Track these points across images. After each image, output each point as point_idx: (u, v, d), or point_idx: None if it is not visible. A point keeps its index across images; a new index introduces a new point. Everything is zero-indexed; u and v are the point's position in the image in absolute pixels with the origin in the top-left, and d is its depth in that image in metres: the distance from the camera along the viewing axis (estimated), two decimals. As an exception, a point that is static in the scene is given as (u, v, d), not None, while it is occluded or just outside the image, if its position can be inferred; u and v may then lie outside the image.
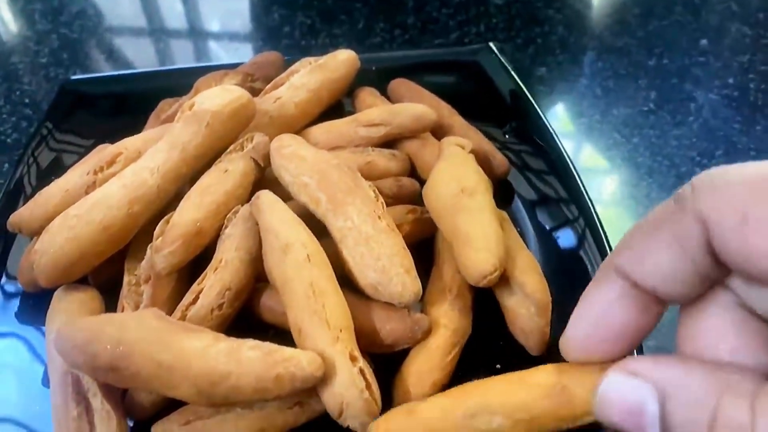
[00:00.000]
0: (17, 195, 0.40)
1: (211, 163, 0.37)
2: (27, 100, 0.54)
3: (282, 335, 0.32)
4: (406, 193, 0.38)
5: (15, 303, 0.35)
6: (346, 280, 0.32)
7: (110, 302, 0.34)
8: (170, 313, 0.31)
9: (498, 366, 0.32)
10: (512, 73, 0.46)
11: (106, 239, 0.32)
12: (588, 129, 0.49)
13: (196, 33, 0.66)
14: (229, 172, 0.35)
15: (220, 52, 0.61)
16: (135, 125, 0.43)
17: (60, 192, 0.35)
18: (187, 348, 0.27)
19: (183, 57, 0.62)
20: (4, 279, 0.36)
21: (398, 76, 0.47)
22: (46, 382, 0.32)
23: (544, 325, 0.31)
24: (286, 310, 0.30)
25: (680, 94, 0.52)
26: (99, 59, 0.61)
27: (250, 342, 0.27)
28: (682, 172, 0.45)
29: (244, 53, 0.61)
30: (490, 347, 0.33)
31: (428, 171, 0.39)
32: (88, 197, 0.33)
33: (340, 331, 0.28)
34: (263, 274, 0.33)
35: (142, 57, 0.61)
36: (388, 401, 0.29)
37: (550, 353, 0.32)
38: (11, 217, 0.35)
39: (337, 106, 0.45)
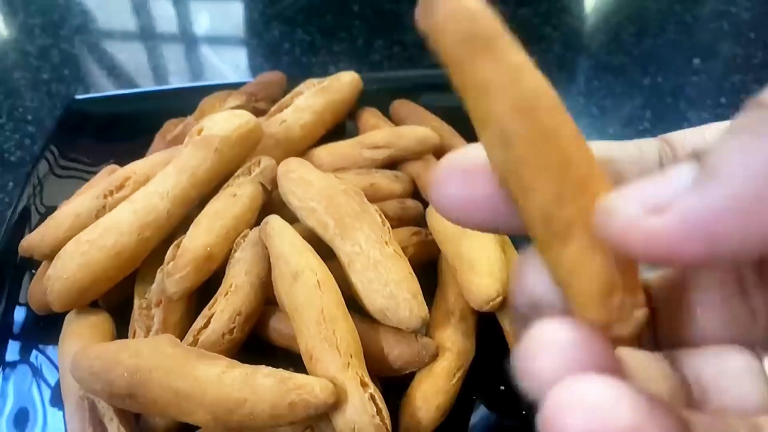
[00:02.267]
0: (25, 216, 0.40)
1: (218, 187, 0.37)
2: (30, 117, 0.54)
3: (291, 358, 0.33)
4: (411, 215, 0.39)
5: (25, 324, 0.36)
6: (353, 302, 0.32)
7: (121, 325, 0.34)
8: (181, 336, 0.32)
9: (502, 388, 0.33)
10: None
11: (118, 264, 0.33)
12: (585, 148, 0.50)
13: (195, 50, 0.66)
14: (237, 197, 0.36)
15: (221, 69, 0.62)
16: (139, 144, 0.44)
17: (70, 216, 0.35)
18: (202, 375, 0.27)
19: (183, 74, 0.63)
20: (9, 299, 0.37)
21: (400, 95, 0.48)
22: (55, 402, 0.33)
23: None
24: (296, 335, 0.30)
25: (675, 113, 0.53)
26: (100, 75, 0.61)
27: (264, 369, 0.28)
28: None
29: (244, 70, 0.62)
30: (493, 370, 0.34)
31: (431, 193, 0.40)
32: (99, 222, 0.34)
33: (351, 356, 0.29)
34: (272, 297, 0.34)
35: (143, 72, 0.61)
36: (395, 423, 0.29)
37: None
38: (23, 242, 0.35)
39: (339, 127, 0.46)
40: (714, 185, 0.11)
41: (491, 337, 0.34)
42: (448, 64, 0.13)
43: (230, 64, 0.62)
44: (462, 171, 0.14)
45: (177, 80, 0.61)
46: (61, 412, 0.32)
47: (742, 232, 0.10)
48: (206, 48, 0.66)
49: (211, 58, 0.63)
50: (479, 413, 0.33)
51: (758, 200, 0.10)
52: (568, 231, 0.12)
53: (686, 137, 0.16)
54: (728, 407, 0.15)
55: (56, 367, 0.34)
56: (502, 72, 0.12)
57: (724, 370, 0.15)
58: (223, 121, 0.37)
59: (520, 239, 0.40)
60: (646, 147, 0.16)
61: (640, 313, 0.13)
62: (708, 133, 0.16)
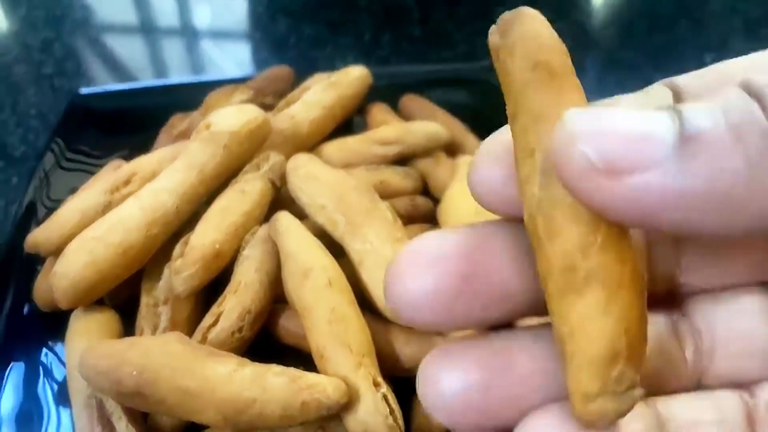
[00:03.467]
0: (31, 211, 0.40)
1: (226, 183, 0.37)
2: (33, 112, 0.54)
3: (300, 357, 0.32)
4: (421, 212, 0.39)
5: (31, 321, 0.35)
6: (363, 300, 0.32)
7: (127, 322, 0.34)
8: (189, 334, 0.32)
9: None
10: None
11: (125, 262, 0.32)
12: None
13: (197, 44, 0.66)
14: (246, 193, 0.35)
15: (224, 63, 0.61)
16: (144, 139, 0.43)
17: (76, 212, 0.35)
18: (211, 374, 0.27)
19: (185, 68, 0.62)
20: (15, 296, 0.36)
21: (409, 91, 0.47)
22: (62, 400, 0.32)
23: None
24: (307, 334, 0.30)
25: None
26: (102, 70, 0.60)
27: (275, 368, 0.27)
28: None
29: (248, 64, 0.61)
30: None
31: (441, 190, 0.39)
32: (105, 219, 0.33)
33: (363, 356, 0.28)
34: (281, 295, 0.33)
35: (144, 66, 0.61)
36: (407, 424, 0.29)
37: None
38: (28, 238, 0.35)
39: (347, 122, 0.46)
40: (696, 166, 0.10)
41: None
42: (508, 84, 0.13)
43: (233, 58, 0.62)
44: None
45: (179, 74, 0.60)
46: (68, 410, 0.31)
47: (723, 220, 0.10)
48: (208, 42, 0.65)
49: (213, 52, 0.63)
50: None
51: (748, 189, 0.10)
52: (586, 284, 0.12)
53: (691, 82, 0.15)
54: (737, 353, 0.14)
55: (63, 365, 0.33)
56: (561, 107, 0.12)
57: (736, 314, 0.14)
58: (231, 117, 0.36)
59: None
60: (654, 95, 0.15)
61: (637, 393, 0.12)
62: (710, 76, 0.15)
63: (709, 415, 0.14)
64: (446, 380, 0.13)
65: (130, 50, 0.63)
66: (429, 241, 0.13)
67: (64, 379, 0.32)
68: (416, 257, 0.13)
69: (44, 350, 0.34)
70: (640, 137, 0.10)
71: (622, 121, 0.10)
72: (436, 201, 0.39)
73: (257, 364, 0.28)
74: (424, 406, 0.13)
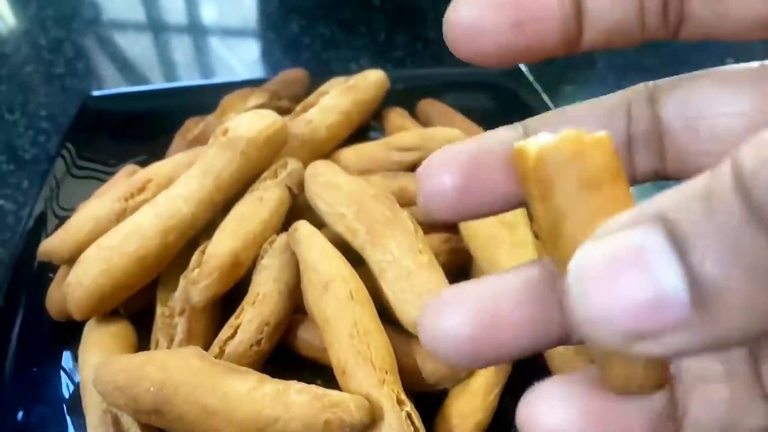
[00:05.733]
0: (42, 218, 0.39)
1: (242, 190, 0.36)
2: (43, 113, 0.53)
3: (318, 369, 0.31)
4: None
5: (44, 331, 0.35)
6: (383, 312, 0.31)
7: (142, 333, 0.33)
8: (206, 346, 0.31)
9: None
10: (543, 95, 0.45)
11: (141, 270, 0.32)
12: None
13: (207, 43, 0.65)
14: (264, 201, 0.34)
15: (236, 64, 0.60)
16: (157, 142, 0.43)
17: (90, 220, 0.34)
18: (231, 391, 0.26)
19: (195, 67, 0.61)
20: (28, 304, 0.36)
21: (425, 94, 0.46)
22: (75, 412, 0.31)
23: (584, 365, 0.31)
24: (327, 348, 0.29)
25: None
26: (111, 69, 0.60)
27: (297, 385, 0.27)
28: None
29: (261, 65, 0.61)
30: (530, 385, 0.32)
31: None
32: (120, 226, 0.33)
33: (386, 373, 0.28)
34: (300, 305, 0.32)
35: (154, 67, 0.60)
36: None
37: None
38: (41, 246, 0.34)
39: (363, 126, 0.45)
40: (712, 324, 0.09)
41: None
42: (538, 179, 0.12)
43: (244, 59, 0.61)
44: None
45: (188, 73, 0.60)
46: (80, 424, 0.31)
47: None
48: (218, 41, 0.64)
49: (223, 52, 0.62)
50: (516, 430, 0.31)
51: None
52: None
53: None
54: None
55: (76, 377, 0.32)
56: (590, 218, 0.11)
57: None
58: (249, 122, 0.35)
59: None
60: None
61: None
62: (699, 95, 0.14)
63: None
64: (443, 326, 0.13)
65: (139, 50, 0.62)
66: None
67: (78, 392, 0.31)
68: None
69: (57, 361, 0.33)
70: (655, 304, 0.09)
71: (628, 289, 0.09)
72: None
73: (278, 380, 0.27)
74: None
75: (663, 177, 0.15)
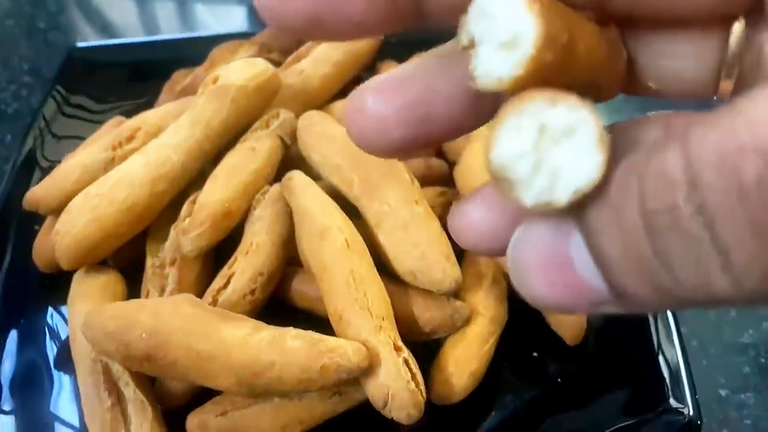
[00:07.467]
0: (29, 169, 0.38)
1: (233, 141, 0.35)
2: (26, 67, 0.51)
3: (312, 320, 0.31)
4: (435, 174, 0.37)
5: (31, 283, 0.34)
6: (379, 265, 0.31)
7: (131, 285, 0.32)
8: (199, 297, 0.30)
9: (535, 354, 0.32)
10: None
11: (130, 219, 0.31)
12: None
13: (194, 11, 0.63)
14: (256, 151, 0.33)
15: (219, 27, 0.59)
16: (144, 95, 0.42)
17: (78, 168, 0.33)
18: (226, 337, 0.26)
19: (177, 30, 0.59)
20: (13, 257, 0.35)
21: (419, 49, 0.45)
22: (64, 364, 0.31)
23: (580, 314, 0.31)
24: (323, 297, 0.29)
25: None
26: (98, 29, 0.58)
27: (293, 331, 0.26)
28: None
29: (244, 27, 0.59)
30: (526, 336, 0.32)
31: (456, 152, 0.38)
32: (109, 175, 0.32)
33: (383, 319, 0.27)
34: (294, 257, 0.32)
35: (136, 26, 0.58)
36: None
37: (586, 342, 0.32)
38: (27, 194, 0.33)
39: (356, 80, 0.44)
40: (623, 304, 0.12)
41: (522, 301, 0.32)
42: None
43: (227, 21, 0.59)
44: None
45: (167, 30, 0.58)
46: (70, 376, 0.30)
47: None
48: (202, 8, 0.62)
49: (205, 16, 0.60)
50: (510, 380, 0.31)
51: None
52: None
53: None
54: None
55: (65, 329, 0.32)
56: None
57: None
58: (239, 70, 0.34)
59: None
60: None
61: None
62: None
63: None
64: (371, 103, 0.14)
65: (122, 14, 0.60)
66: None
67: (66, 342, 0.31)
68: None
69: (45, 313, 0.33)
70: (578, 296, 0.12)
71: (556, 289, 0.12)
72: (450, 163, 0.38)
73: (273, 327, 0.27)
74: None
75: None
